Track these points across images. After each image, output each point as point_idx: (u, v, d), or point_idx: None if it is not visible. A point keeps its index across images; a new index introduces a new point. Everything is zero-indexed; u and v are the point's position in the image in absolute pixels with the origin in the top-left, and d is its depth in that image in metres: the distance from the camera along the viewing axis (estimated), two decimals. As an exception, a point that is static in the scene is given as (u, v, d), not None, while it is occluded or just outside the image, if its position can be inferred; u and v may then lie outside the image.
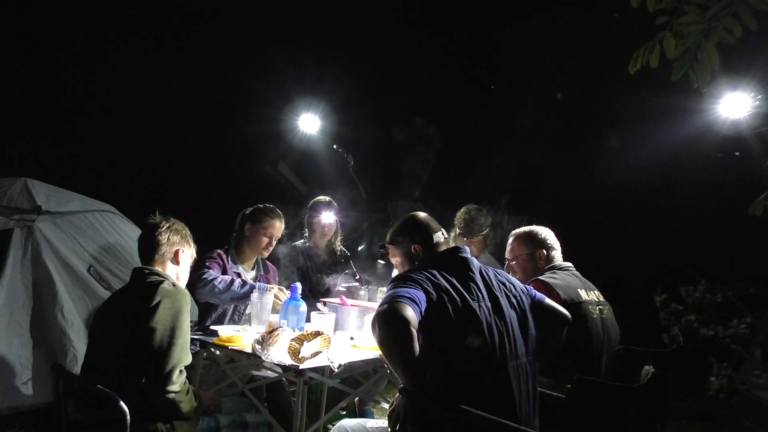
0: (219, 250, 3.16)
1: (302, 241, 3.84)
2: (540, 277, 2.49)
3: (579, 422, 1.70)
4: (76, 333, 3.02)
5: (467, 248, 2.12)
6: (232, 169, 7.23)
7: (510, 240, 2.81)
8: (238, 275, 3.12)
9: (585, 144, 6.98)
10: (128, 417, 1.82)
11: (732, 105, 3.77)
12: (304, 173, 7.34)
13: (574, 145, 7.07)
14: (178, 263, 2.28)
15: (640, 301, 5.72)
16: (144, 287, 2.09)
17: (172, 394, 1.96)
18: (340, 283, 3.57)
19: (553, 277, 2.49)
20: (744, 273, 5.06)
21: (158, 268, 2.21)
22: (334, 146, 6.43)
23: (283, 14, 7.14)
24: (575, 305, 2.37)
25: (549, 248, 2.70)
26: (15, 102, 6.66)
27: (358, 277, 3.79)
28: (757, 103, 3.58)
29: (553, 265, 2.64)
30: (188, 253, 2.33)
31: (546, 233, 2.75)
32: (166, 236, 2.24)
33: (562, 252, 2.78)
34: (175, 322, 2.00)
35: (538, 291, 2.36)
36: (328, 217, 3.79)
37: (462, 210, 3.76)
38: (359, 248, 6.33)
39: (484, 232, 3.69)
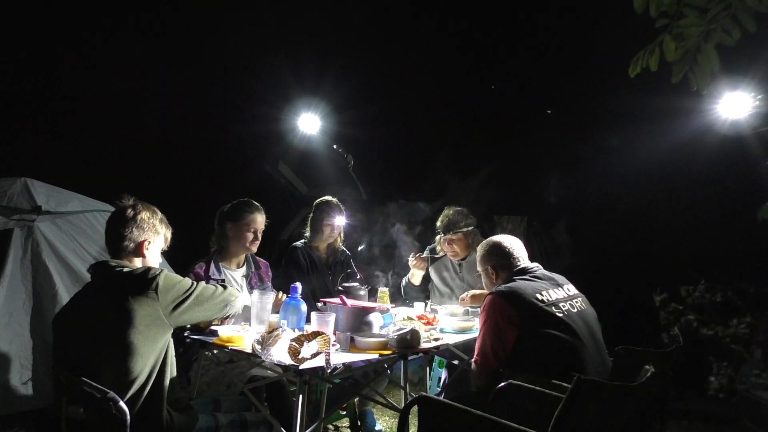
0: (197, 264, 3.08)
1: (302, 241, 3.83)
2: (494, 290, 2.49)
3: (578, 421, 1.70)
4: (76, 333, 3.01)
5: None
6: (232, 169, 7.23)
7: None
8: (222, 281, 3.05)
9: (586, 145, 6.98)
10: (128, 417, 1.81)
11: (732, 105, 3.77)
12: (304, 173, 7.35)
13: (574, 146, 7.07)
14: (143, 256, 2.17)
15: (640, 301, 5.72)
16: (113, 280, 2.03)
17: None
18: (340, 283, 3.57)
19: (503, 289, 2.46)
20: (744, 273, 5.05)
21: (125, 261, 2.12)
22: (334, 146, 6.43)
23: (283, 13, 7.13)
24: (528, 315, 2.34)
25: (497, 264, 2.68)
26: (15, 101, 6.66)
27: (358, 277, 3.79)
28: (757, 103, 3.58)
29: (511, 271, 2.62)
30: (157, 241, 2.23)
31: (496, 246, 2.72)
32: (129, 229, 2.12)
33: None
34: None
35: (491, 304, 2.42)
36: (339, 220, 3.77)
37: (444, 210, 3.89)
38: (359, 248, 6.33)
39: (463, 230, 3.74)
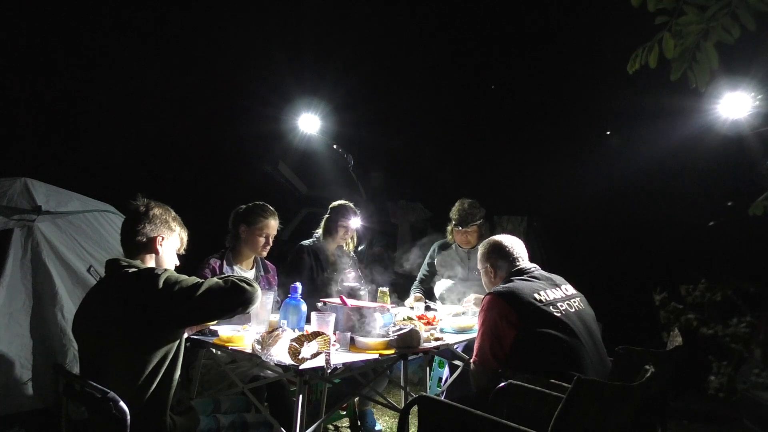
0: (212, 258, 3.13)
1: (312, 239, 3.84)
2: (492, 291, 2.51)
3: (578, 421, 1.70)
4: (76, 333, 3.01)
5: None
6: (233, 169, 7.23)
7: None
8: None
9: (585, 144, 6.98)
10: (128, 417, 1.81)
11: (732, 105, 3.76)
12: (304, 173, 7.35)
13: (574, 144, 7.08)
14: (157, 252, 2.16)
15: (640, 301, 5.72)
16: (120, 280, 2.01)
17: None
18: (341, 282, 3.57)
19: (501, 289, 2.48)
20: (744, 272, 5.06)
21: (137, 260, 2.11)
22: (334, 146, 6.44)
23: (283, 14, 7.14)
24: (526, 314, 2.36)
25: (497, 263, 2.70)
26: (15, 102, 6.66)
27: (363, 279, 3.80)
28: (757, 103, 3.58)
29: (509, 271, 2.64)
30: (172, 239, 2.22)
31: (497, 245, 2.74)
32: (142, 224, 2.12)
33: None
34: None
35: (489, 304, 2.43)
36: (354, 222, 3.84)
37: (456, 204, 4.04)
38: (359, 249, 6.33)
39: (477, 222, 3.94)
